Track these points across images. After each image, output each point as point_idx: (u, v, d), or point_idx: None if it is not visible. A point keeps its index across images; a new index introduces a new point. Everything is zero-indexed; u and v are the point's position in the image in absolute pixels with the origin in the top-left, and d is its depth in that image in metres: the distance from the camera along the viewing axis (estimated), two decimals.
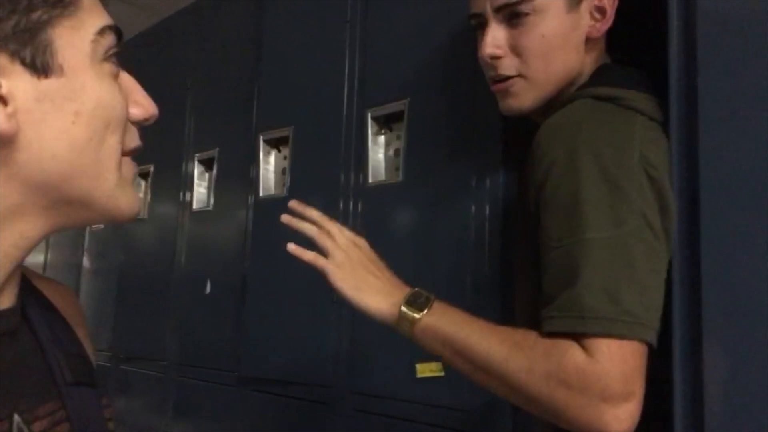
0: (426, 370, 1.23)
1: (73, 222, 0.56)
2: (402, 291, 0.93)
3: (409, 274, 1.27)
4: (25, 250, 0.54)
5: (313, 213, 1.01)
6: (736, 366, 0.84)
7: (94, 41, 0.54)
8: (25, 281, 0.61)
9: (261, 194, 1.70)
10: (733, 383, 0.84)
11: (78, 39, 0.53)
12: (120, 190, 0.55)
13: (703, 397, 0.85)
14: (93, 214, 0.56)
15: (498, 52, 0.96)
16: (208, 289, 1.86)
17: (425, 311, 0.89)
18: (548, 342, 0.80)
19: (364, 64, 1.47)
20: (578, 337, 0.78)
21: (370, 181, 1.42)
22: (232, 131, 1.89)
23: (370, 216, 1.41)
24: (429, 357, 1.23)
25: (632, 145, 0.87)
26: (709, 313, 0.86)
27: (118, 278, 2.27)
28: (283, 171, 1.69)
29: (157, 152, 2.22)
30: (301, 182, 1.60)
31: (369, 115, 1.43)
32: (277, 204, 1.65)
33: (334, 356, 1.43)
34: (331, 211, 1.47)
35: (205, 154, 1.99)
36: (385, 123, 1.43)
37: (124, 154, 0.56)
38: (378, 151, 1.42)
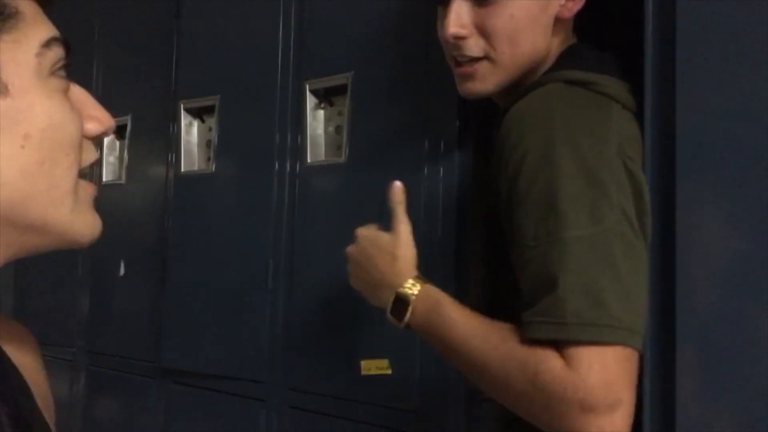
0: (372, 367, 1.15)
1: (27, 251, 0.51)
2: (393, 288, 0.88)
3: None
4: None
5: None
6: (709, 368, 0.82)
7: (39, 55, 0.49)
8: None
9: (183, 169, 1.54)
10: (705, 387, 0.82)
11: (21, 54, 0.48)
12: (77, 214, 0.51)
13: (675, 400, 0.82)
14: (48, 241, 0.51)
15: (463, 32, 0.88)
16: (122, 271, 1.69)
17: (406, 316, 0.87)
18: (526, 350, 0.76)
19: (302, 30, 1.33)
20: (559, 343, 0.75)
21: (309, 160, 1.30)
22: (148, 96, 1.71)
23: (309, 198, 1.30)
24: (374, 354, 1.16)
25: (610, 134, 0.82)
26: (683, 314, 0.82)
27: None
28: (208, 144, 1.53)
29: None
30: (230, 158, 1.45)
31: (307, 87, 1.30)
32: (203, 180, 1.51)
33: (269, 348, 1.33)
34: (265, 191, 1.35)
35: (116, 121, 1.79)
36: (325, 96, 1.30)
37: (81, 170, 0.52)
38: (317, 127, 1.30)
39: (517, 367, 0.77)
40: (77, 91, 0.53)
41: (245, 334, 1.37)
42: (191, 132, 1.55)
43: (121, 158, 1.79)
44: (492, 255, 0.92)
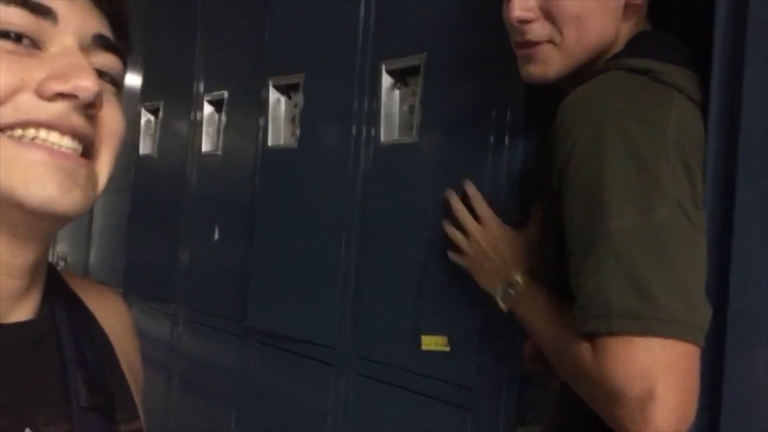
0: (431, 342, 1.19)
1: (14, 225, 0.49)
2: (505, 278, 0.96)
3: (419, 241, 1.22)
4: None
5: (452, 202, 1.09)
6: (758, 373, 0.79)
7: None
8: (65, 288, 0.59)
9: (270, 143, 1.63)
10: (754, 391, 0.79)
11: None
12: (11, 177, 0.47)
13: (722, 403, 0.80)
14: (16, 212, 0.48)
15: (528, 15, 0.87)
16: (216, 236, 1.82)
17: (510, 302, 0.95)
18: (571, 342, 0.80)
19: (381, 13, 1.36)
20: (598, 335, 0.76)
21: (383, 139, 1.34)
22: (243, 72, 1.80)
23: (381, 175, 1.34)
24: (434, 329, 1.20)
25: (667, 123, 0.79)
26: (735, 316, 0.80)
27: (128, 214, 2.24)
28: (293, 120, 1.61)
29: (165, 89, 2.14)
30: (311, 134, 1.52)
31: (383, 67, 1.33)
32: (287, 155, 1.59)
33: (339, 317, 1.39)
34: (341, 167, 1.41)
35: (215, 95, 1.91)
36: (401, 77, 1.33)
37: (20, 130, 0.48)
38: (392, 106, 1.34)
39: (567, 357, 0.81)
40: (56, 52, 0.49)
41: (320, 301, 1.45)
42: (278, 108, 1.63)
43: (218, 130, 1.91)
44: (553, 240, 0.92)
